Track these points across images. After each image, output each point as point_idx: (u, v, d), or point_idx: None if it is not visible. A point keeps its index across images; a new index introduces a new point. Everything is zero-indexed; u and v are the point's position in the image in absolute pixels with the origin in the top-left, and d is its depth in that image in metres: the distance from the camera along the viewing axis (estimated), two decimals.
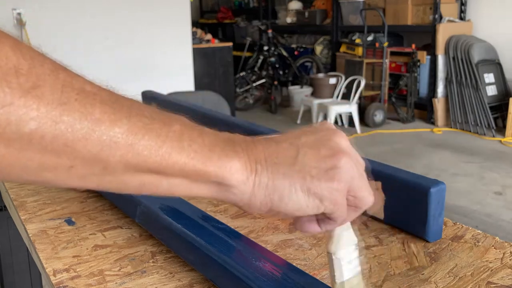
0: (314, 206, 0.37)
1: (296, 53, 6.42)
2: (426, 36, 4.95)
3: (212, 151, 0.35)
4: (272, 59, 5.99)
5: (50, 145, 0.29)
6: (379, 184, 0.69)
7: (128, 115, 0.32)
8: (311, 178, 0.36)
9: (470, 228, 0.70)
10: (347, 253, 0.42)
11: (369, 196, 0.39)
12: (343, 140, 0.39)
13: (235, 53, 5.30)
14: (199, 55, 4.25)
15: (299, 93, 5.56)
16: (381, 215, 0.71)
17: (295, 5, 6.72)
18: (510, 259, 0.61)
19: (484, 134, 4.42)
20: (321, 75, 5.27)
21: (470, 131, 4.53)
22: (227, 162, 0.35)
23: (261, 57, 6.13)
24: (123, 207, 0.74)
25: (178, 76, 3.70)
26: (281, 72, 6.10)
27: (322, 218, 0.39)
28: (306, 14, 6.43)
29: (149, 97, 1.43)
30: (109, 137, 0.30)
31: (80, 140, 0.29)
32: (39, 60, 0.29)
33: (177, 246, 0.62)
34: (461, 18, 4.96)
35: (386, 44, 4.86)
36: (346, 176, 0.37)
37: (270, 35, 6.06)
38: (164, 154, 0.33)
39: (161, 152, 0.33)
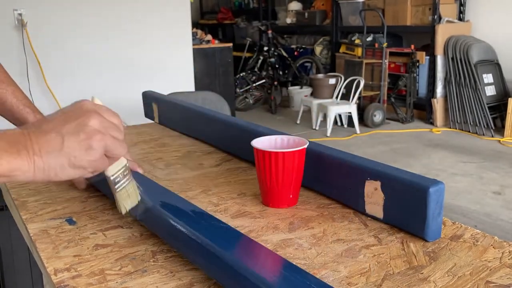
0: (81, 173, 0.54)
1: (296, 53, 6.42)
2: (425, 37, 4.95)
3: (0, 157, 0.49)
4: (272, 59, 6.00)
5: None
6: (378, 184, 0.70)
7: None
8: (74, 157, 0.52)
9: (469, 227, 0.70)
10: (118, 171, 0.61)
11: (121, 149, 0.56)
12: (96, 119, 0.53)
13: (235, 53, 5.30)
14: (199, 55, 4.25)
15: (299, 93, 5.56)
16: (380, 215, 0.71)
17: (295, 6, 6.72)
18: (509, 259, 0.61)
19: (483, 134, 4.42)
20: (320, 75, 5.27)
21: (469, 131, 4.54)
22: (12, 163, 0.50)
23: (261, 58, 6.13)
24: None
25: (178, 76, 3.70)
26: (281, 73, 6.11)
27: (93, 172, 0.56)
28: (306, 14, 6.43)
29: (150, 97, 1.43)
30: None
31: None
32: None
33: (178, 244, 0.62)
34: (460, 19, 4.97)
35: (385, 44, 4.86)
36: (99, 148, 0.53)
37: (270, 35, 6.07)
38: None
39: None
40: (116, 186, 0.61)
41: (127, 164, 0.62)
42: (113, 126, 0.55)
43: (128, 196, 0.63)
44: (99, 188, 0.84)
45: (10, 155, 0.50)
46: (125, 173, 0.62)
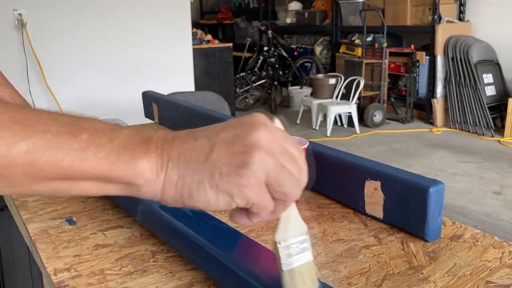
0: (225, 202, 0.38)
1: (296, 53, 6.42)
2: (425, 37, 4.95)
3: (118, 156, 0.37)
4: (272, 59, 6.00)
5: None
6: (378, 184, 0.70)
7: (29, 134, 0.35)
8: (220, 175, 0.37)
9: (469, 227, 0.70)
10: (294, 242, 0.43)
11: (293, 188, 0.39)
12: (262, 134, 0.38)
13: (235, 53, 5.30)
14: (199, 55, 4.25)
15: (299, 93, 5.56)
16: (380, 215, 0.71)
17: (295, 6, 6.72)
18: (508, 259, 0.61)
19: (483, 134, 4.42)
20: (320, 75, 5.27)
21: (469, 131, 4.54)
22: (134, 165, 0.37)
23: (261, 58, 6.13)
24: (124, 206, 0.75)
25: (178, 76, 3.70)
26: (281, 73, 6.11)
27: (251, 213, 0.40)
28: (306, 14, 6.43)
29: (150, 97, 1.43)
30: (7, 160, 0.34)
31: None
32: None
33: (178, 244, 0.62)
34: (460, 19, 4.97)
35: (385, 44, 4.86)
36: (258, 172, 0.37)
37: (270, 35, 6.07)
38: (67, 166, 0.36)
39: (63, 165, 0.36)
40: (283, 262, 0.42)
41: (308, 236, 0.44)
42: (289, 154, 0.39)
43: (302, 282, 0.43)
44: None
45: (133, 154, 0.37)
46: (302, 246, 0.43)
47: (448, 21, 4.83)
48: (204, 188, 0.38)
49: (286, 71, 6.23)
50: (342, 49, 5.81)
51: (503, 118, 4.44)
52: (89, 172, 0.37)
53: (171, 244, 0.64)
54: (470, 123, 4.54)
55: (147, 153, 0.38)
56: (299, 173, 0.40)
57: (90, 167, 0.36)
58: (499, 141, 4.25)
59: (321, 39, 6.31)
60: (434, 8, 4.77)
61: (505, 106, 4.37)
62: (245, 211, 0.40)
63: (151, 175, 0.38)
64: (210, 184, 0.37)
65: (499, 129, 4.44)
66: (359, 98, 4.84)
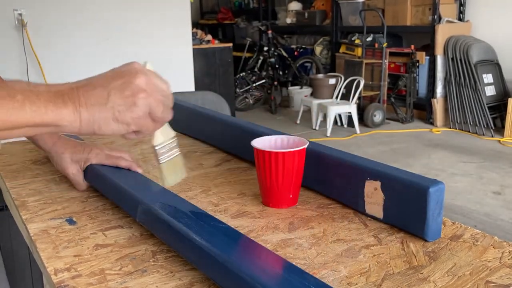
0: (124, 129, 0.57)
1: (296, 53, 6.42)
2: (425, 37, 4.95)
3: (47, 108, 0.53)
4: (272, 59, 6.00)
5: None
6: (378, 184, 0.70)
7: None
8: (118, 113, 0.55)
9: (469, 227, 0.70)
10: (165, 144, 0.62)
11: (166, 113, 0.58)
12: (142, 79, 0.56)
13: (235, 53, 5.30)
14: (199, 55, 4.25)
15: (299, 93, 5.56)
16: (380, 215, 0.71)
17: (295, 6, 6.72)
18: (508, 259, 0.61)
19: (483, 134, 4.42)
20: (320, 75, 5.27)
21: (469, 131, 4.54)
22: (58, 112, 0.53)
23: (261, 58, 6.13)
24: (124, 206, 0.75)
25: (178, 76, 3.70)
26: (281, 73, 6.11)
27: (138, 132, 0.59)
28: (306, 14, 6.43)
29: None
30: None
31: None
32: None
33: (178, 244, 0.62)
34: (460, 19, 4.97)
35: (385, 44, 4.86)
36: (144, 107, 0.56)
37: (270, 35, 6.07)
38: (13, 119, 0.51)
39: (12, 119, 0.51)
40: (160, 158, 0.62)
41: (176, 138, 0.63)
42: (160, 90, 0.57)
43: (173, 171, 0.64)
44: (98, 189, 0.85)
45: (56, 105, 0.53)
46: (172, 146, 0.63)
47: (448, 21, 4.83)
48: (109, 122, 0.55)
49: (286, 71, 6.23)
50: (342, 49, 5.81)
51: (503, 118, 4.44)
52: (28, 121, 0.52)
53: (171, 245, 0.64)
54: (470, 123, 4.54)
55: (64, 103, 0.53)
56: (168, 101, 0.58)
57: (28, 118, 0.52)
58: (499, 141, 4.25)
59: (321, 39, 6.31)
60: (434, 8, 4.77)
61: (505, 106, 4.37)
62: (134, 132, 0.59)
63: (70, 117, 0.54)
64: (113, 119, 0.55)
65: (499, 129, 4.44)
66: (359, 98, 4.84)
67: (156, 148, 0.62)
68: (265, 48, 6.05)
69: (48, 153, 0.91)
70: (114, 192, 0.78)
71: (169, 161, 0.63)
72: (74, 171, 0.86)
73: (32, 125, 0.53)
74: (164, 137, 0.62)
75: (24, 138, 1.23)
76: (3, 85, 0.53)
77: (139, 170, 0.84)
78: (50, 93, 0.54)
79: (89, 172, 0.85)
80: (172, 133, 0.63)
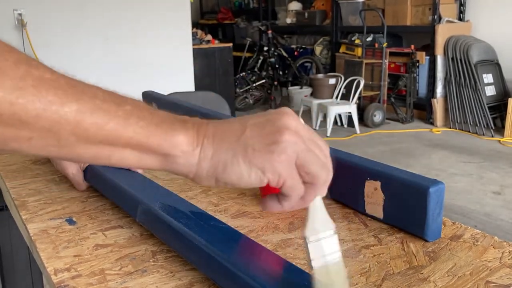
0: (257, 177, 0.41)
1: (296, 53, 6.43)
2: (425, 37, 4.95)
3: (158, 127, 0.41)
4: (272, 59, 6.00)
5: (10, 121, 0.36)
6: (378, 184, 0.70)
7: (80, 97, 0.38)
8: (252, 151, 0.40)
9: (469, 227, 0.70)
10: (323, 239, 0.43)
11: (322, 171, 0.42)
12: (291, 120, 0.42)
13: (235, 53, 5.30)
14: (199, 55, 4.26)
15: (299, 93, 5.56)
16: (380, 215, 0.71)
17: (295, 6, 6.72)
18: (508, 259, 0.61)
19: (483, 134, 4.42)
20: (320, 75, 5.27)
21: (469, 131, 4.54)
22: (172, 136, 0.41)
23: (261, 58, 6.13)
24: (124, 207, 0.75)
25: (178, 76, 3.70)
26: (281, 73, 6.11)
27: (281, 195, 0.43)
28: (306, 14, 6.43)
29: (150, 97, 1.43)
30: (59, 115, 0.37)
31: (34, 117, 0.36)
32: (4, 55, 0.36)
33: (178, 245, 0.62)
34: (460, 19, 4.97)
35: (385, 44, 4.86)
36: (289, 150, 0.40)
37: (270, 35, 6.07)
38: (110, 129, 0.39)
39: (108, 128, 0.39)
40: (312, 258, 0.42)
41: (337, 233, 0.44)
42: (315, 142, 0.42)
43: (331, 280, 0.43)
44: (98, 189, 0.85)
45: (171, 127, 0.41)
46: (331, 242, 0.43)
47: (448, 21, 4.83)
48: (237, 162, 0.40)
49: (286, 71, 6.23)
50: (342, 49, 5.81)
51: (503, 118, 4.44)
52: (130, 139, 0.40)
53: (171, 245, 0.64)
54: (470, 123, 4.54)
55: (184, 128, 0.41)
56: (325, 160, 0.42)
57: (131, 133, 0.39)
58: (499, 141, 4.25)
59: (321, 39, 6.31)
60: (434, 8, 4.77)
61: (505, 106, 4.37)
62: (276, 196, 0.43)
63: (187, 148, 0.41)
64: (244, 159, 0.40)
65: (499, 129, 4.44)
66: (359, 98, 4.84)
67: (309, 241, 0.42)
68: (265, 48, 6.05)
69: None
70: (114, 192, 0.78)
71: (324, 268, 0.42)
72: (74, 171, 0.86)
73: (135, 146, 0.40)
74: (321, 226, 0.43)
75: None
76: (116, 94, 0.41)
77: (139, 170, 0.84)
78: (170, 115, 0.42)
79: (89, 172, 0.85)
80: (332, 224, 0.43)
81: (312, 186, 0.42)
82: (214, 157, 0.41)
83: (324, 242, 0.43)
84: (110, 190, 0.79)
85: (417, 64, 4.89)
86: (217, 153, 0.41)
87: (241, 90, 5.85)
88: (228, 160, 0.41)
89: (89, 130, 0.38)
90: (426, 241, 0.66)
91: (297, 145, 0.41)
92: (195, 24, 5.89)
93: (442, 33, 4.72)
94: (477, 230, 0.69)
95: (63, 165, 0.87)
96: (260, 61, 6.15)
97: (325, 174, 0.42)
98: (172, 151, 0.41)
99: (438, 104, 4.83)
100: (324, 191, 0.43)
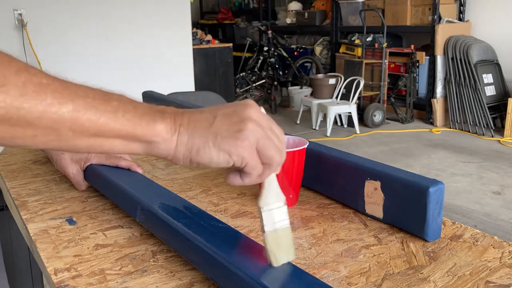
0: (225, 159, 0.49)
1: (296, 53, 6.43)
2: (425, 37, 4.95)
3: (142, 119, 0.48)
4: (272, 59, 6.00)
5: (17, 123, 0.42)
6: (378, 184, 0.70)
7: (74, 98, 0.44)
8: (221, 137, 0.48)
9: (469, 227, 0.70)
10: (275, 208, 0.51)
11: (276, 154, 0.50)
12: (254, 111, 0.49)
13: (235, 53, 5.30)
14: (199, 55, 4.26)
15: (299, 93, 5.56)
16: (380, 215, 0.71)
17: (294, 6, 6.72)
18: (508, 259, 0.61)
19: (483, 134, 4.42)
20: (320, 75, 5.27)
21: (469, 131, 4.54)
22: (154, 126, 0.48)
23: (261, 58, 6.13)
24: (124, 207, 0.75)
25: (178, 76, 3.70)
26: (281, 73, 6.11)
27: (243, 172, 0.51)
28: (306, 14, 6.43)
29: (150, 97, 1.43)
30: (58, 115, 0.43)
31: (37, 118, 0.42)
32: (5, 65, 0.41)
33: (178, 244, 0.62)
34: (460, 19, 4.97)
35: (385, 44, 4.86)
36: (251, 137, 0.48)
37: (270, 35, 6.07)
38: (102, 123, 0.46)
39: (100, 122, 0.45)
40: (264, 224, 0.51)
41: (286, 206, 0.52)
42: (272, 130, 0.50)
43: (279, 246, 0.51)
44: (98, 189, 0.85)
45: (152, 118, 0.48)
46: (280, 212, 0.51)
47: (448, 21, 4.83)
48: (209, 147, 0.48)
49: (286, 71, 6.23)
50: (342, 49, 5.81)
51: (503, 118, 4.44)
52: (119, 131, 0.47)
53: (171, 245, 0.64)
54: (470, 123, 4.54)
55: (163, 119, 0.49)
56: (280, 145, 0.51)
57: (120, 126, 0.46)
58: (499, 141, 4.25)
59: (321, 39, 6.31)
60: (434, 8, 4.77)
61: (505, 106, 4.37)
62: (239, 173, 0.51)
63: (166, 135, 0.48)
64: (214, 144, 0.48)
65: (499, 129, 4.44)
66: (359, 98, 4.84)
67: (263, 210, 0.50)
68: (265, 48, 6.05)
69: (48, 153, 0.91)
70: (114, 192, 0.78)
71: (274, 232, 0.51)
72: (74, 171, 0.86)
73: (124, 136, 0.47)
74: (273, 198, 0.51)
75: None
76: (102, 91, 0.48)
77: (139, 170, 0.84)
78: (150, 107, 0.49)
79: (89, 172, 0.85)
80: (283, 197, 0.52)
81: (268, 166, 0.50)
82: (189, 142, 0.49)
83: (275, 212, 0.51)
84: (110, 190, 0.79)
85: (417, 64, 4.90)
86: (191, 139, 0.49)
87: (241, 90, 5.85)
88: (201, 145, 0.48)
89: (84, 126, 0.45)
90: (426, 241, 0.66)
91: (258, 133, 0.48)
92: (195, 24, 5.89)
93: (442, 33, 4.73)
94: (477, 230, 0.69)
95: (63, 165, 0.87)
96: (260, 61, 6.15)
97: (279, 157, 0.50)
98: (154, 138, 0.48)
99: (438, 104, 4.83)
100: (278, 169, 0.52)
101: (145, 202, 0.68)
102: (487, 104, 4.43)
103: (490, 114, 4.41)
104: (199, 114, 0.50)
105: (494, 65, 4.63)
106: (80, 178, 0.86)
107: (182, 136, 0.49)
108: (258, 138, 0.49)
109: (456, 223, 0.72)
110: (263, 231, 0.51)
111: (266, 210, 0.51)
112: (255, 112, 0.49)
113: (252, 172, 0.50)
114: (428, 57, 4.87)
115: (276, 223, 0.51)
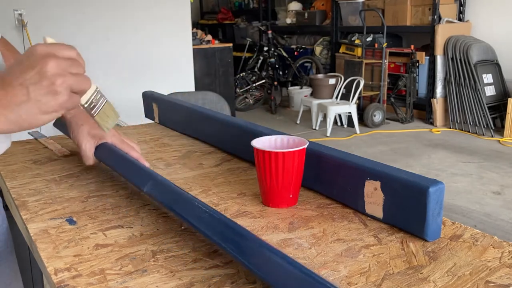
0: (55, 116, 0.56)
1: (295, 53, 6.43)
2: (425, 37, 4.95)
3: None
4: (272, 59, 6.00)
5: None
6: (378, 184, 0.70)
7: None
8: (44, 104, 0.54)
9: (469, 227, 0.70)
10: (91, 97, 0.65)
11: (85, 83, 0.57)
12: (52, 65, 0.54)
13: (235, 53, 5.30)
14: (199, 55, 4.25)
15: (299, 93, 5.57)
16: (380, 215, 0.71)
17: (294, 6, 6.72)
18: (508, 259, 0.61)
19: (483, 134, 4.43)
20: (320, 75, 5.27)
21: (469, 131, 4.54)
22: None
23: (261, 58, 6.13)
24: (133, 178, 0.79)
25: (178, 76, 3.70)
26: (281, 73, 6.11)
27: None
28: (306, 15, 6.43)
29: (150, 97, 1.43)
30: None
31: None
32: None
33: (185, 211, 0.66)
34: (460, 19, 4.97)
35: (385, 44, 4.87)
36: (65, 92, 0.55)
37: (270, 35, 6.07)
38: None
39: None
40: (92, 112, 0.66)
41: (98, 88, 0.65)
42: (71, 63, 0.56)
43: (107, 117, 0.68)
44: (107, 163, 0.88)
45: None
46: (98, 97, 0.66)
47: (447, 21, 4.83)
48: (38, 117, 0.54)
49: (286, 71, 6.23)
50: (342, 49, 5.81)
51: (503, 118, 4.44)
52: None
53: (177, 212, 0.67)
54: (470, 123, 4.54)
55: None
56: (82, 69, 0.58)
57: None
58: (499, 141, 4.26)
59: (321, 39, 6.31)
60: (434, 8, 4.77)
61: (505, 106, 4.37)
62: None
63: None
64: (41, 112, 0.54)
65: (499, 129, 4.44)
66: (359, 98, 4.84)
67: (85, 106, 0.64)
68: (265, 48, 6.05)
69: (68, 121, 0.92)
70: (125, 165, 0.82)
71: (101, 111, 0.66)
72: (88, 145, 0.89)
73: None
74: (88, 94, 0.64)
75: (24, 138, 1.23)
76: None
77: (146, 164, 0.85)
78: None
79: (102, 148, 0.89)
80: (94, 86, 0.64)
81: (82, 92, 0.59)
82: (18, 120, 0.53)
83: (93, 99, 0.65)
84: (121, 163, 0.84)
85: (417, 64, 4.90)
86: (19, 117, 0.53)
87: (241, 90, 5.85)
88: (31, 118, 0.54)
89: None
90: (426, 241, 0.66)
91: (67, 82, 0.55)
92: (195, 24, 5.89)
93: (442, 33, 4.73)
94: (477, 230, 0.69)
95: (79, 136, 0.89)
96: (260, 61, 6.15)
97: (88, 83, 0.58)
98: None
99: (438, 104, 4.83)
100: (88, 83, 0.58)
101: (155, 174, 0.75)
102: (487, 104, 4.43)
103: (490, 114, 4.41)
104: (12, 89, 0.53)
105: (494, 65, 4.63)
106: (91, 153, 0.89)
107: (10, 117, 0.53)
108: (70, 86, 0.55)
109: (456, 223, 0.72)
110: (93, 117, 0.66)
111: (86, 103, 0.64)
112: (54, 62, 0.54)
113: (75, 106, 0.58)
114: (428, 57, 4.87)
115: (98, 106, 0.66)
